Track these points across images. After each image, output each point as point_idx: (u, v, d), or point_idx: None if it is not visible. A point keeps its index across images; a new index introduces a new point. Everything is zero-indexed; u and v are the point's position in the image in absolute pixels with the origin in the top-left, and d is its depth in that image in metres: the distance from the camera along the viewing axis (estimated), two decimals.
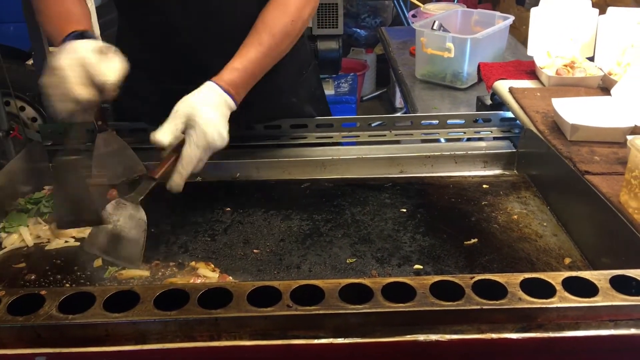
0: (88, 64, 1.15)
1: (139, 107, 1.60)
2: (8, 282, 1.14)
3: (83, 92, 1.14)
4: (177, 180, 1.19)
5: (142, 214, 1.16)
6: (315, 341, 0.81)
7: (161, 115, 1.23)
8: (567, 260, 1.17)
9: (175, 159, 1.19)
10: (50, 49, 3.03)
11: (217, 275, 1.15)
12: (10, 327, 0.80)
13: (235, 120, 1.29)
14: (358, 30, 5.35)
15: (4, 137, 3.30)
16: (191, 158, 1.18)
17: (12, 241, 1.25)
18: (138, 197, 1.18)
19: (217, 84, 1.25)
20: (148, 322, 0.81)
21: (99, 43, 1.20)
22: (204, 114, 1.19)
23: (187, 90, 1.25)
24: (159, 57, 1.52)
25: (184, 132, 1.20)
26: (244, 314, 0.81)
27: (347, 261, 1.19)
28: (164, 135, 1.17)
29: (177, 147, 1.19)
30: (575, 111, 1.42)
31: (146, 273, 1.16)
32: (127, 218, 1.17)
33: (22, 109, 3.83)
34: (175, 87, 1.27)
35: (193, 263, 1.18)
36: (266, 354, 0.81)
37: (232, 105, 1.27)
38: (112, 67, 1.18)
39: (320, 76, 1.92)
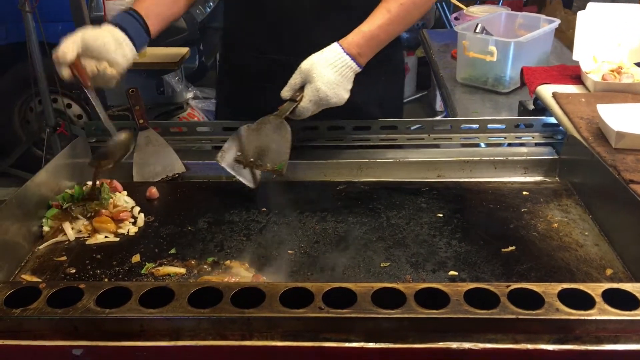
0: (103, 45, 1.32)
1: (244, 77, 1.69)
2: (49, 275, 1.17)
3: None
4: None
5: (287, 127, 1.37)
6: (347, 344, 0.81)
7: (265, 83, 1.47)
8: (609, 272, 1.14)
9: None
10: None
11: (251, 274, 1.15)
12: (49, 319, 0.82)
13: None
14: None
15: (50, 133, 3.41)
16: (304, 109, 1.38)
17: (54, 235, 1.28)
18: (282, 114, 1.38)
19: (340, 45, 1.38)
20: (182, 318, 0.82)
21: (114, 34, 1.35)
22: (320, 71, 1.34)
23: (290, 61, 1.40)
24: (264, 27, 1.58)
25: (303, 87, 1.38)
26: (276, 315, 0.82)
27: (381, 265, 1.18)
28: (285, 90, 1.38)
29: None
30: (622, 118, 1.38)
31: (182, 270, 1.17)
32: (272, 131, 1.39)
33: (69, 106, 3.94)
34: (278, 57, 1.46)
35: (228, 262, 1.19)
36: (297, 355, 0.81)
37: (353, 65, 1.38)
38: (120, 55, 1.34)
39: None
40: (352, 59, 1.38)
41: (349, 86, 1.39)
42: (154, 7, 1.47)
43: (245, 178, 1.43)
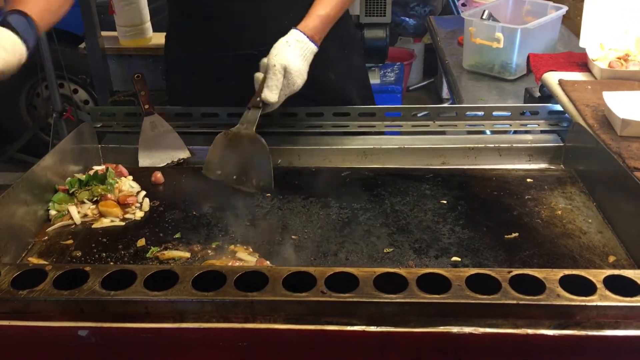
0: None
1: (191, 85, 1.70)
2: (56, 258, 1.18)
3: None
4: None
5: (261, 141, 1.39)
6: (348, 328, 0.81)
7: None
8: (612, 259, 1.14)
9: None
10: (103, 33, 3.12)
11: (255, 259, 1.16)
12: (55, 300, 0.83)
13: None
14: (406, 19, 5.28)
15: (57, 119, 3.43)
16: (277, 104, 1.40)
17: (60, 219, 1.29)
18: (252, 126, 1.39)
19: (304, 33, 1.41)
20: (186, 301, 0.83)
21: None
22: (296, 66, 1.37)
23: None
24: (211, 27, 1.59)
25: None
26: (279, 298, 0.83)
27: (385, 251, 1.19)
28: (273, 94, 1.37)
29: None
30: (627, 105, 1.38)
31: (187, 254, 1.18)
32: (248, 146, 1.40)
33: (75, 91, 3.95)
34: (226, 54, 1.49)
35: (232, 246, 1.20)
36: (299, 338, 0.82)
37: (315, 49, 1.43)
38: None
39: (365, 64, 1.92)
40: (315, 44, 1.43)
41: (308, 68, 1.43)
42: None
43: (243, 186, 1.42)
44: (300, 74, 1.39)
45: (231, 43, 1.59)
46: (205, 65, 1.65)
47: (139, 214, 1.32)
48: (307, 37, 1.41)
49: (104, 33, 3.15)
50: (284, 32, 1.42)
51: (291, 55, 1.38)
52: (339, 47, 1.70)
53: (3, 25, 1.26)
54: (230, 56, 1.60)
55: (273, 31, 1.43)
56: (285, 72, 1.37)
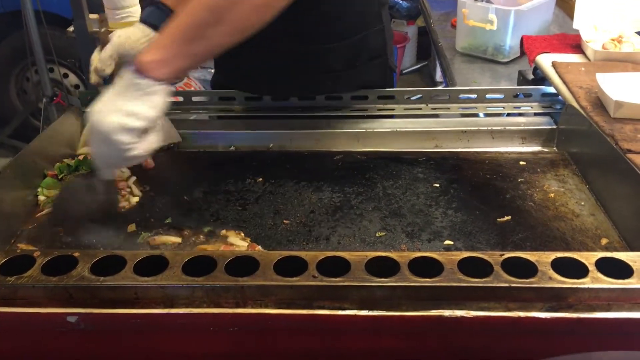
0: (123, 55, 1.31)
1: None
2: (45, 244, 1.17)
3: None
4: None
5: None
6: (340, 312, 0.81)
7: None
8: (604, 241, 1.14)
9: None
10: (91, 16, 3.07)
11: (247, 244, 1.15)
12: (44, 286, 0.83)
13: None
14: (400, 1, 5.24)
15: (48, 103, 3.39)
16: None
17: (50, 205, 1.28)
18: None
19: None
20: (176, 286, 0.83)
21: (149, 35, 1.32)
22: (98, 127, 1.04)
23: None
24: None
25: None
26: (270, 283, 0.82)
27: (377, 234, 1.18)
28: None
29: None
30: (621, 87, 1.37)
31: (178, 239, 1.17)
32: None
33: (65, 75, 3.91)
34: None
35: (223, 231, 1.19)
36: (291, 322, 0.82)
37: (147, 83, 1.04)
38: None
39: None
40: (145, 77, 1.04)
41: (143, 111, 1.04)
42: None
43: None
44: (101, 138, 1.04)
45: None
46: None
47: (135, 200, 1.31)
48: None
49: (92, 16, 3.11)
50: None
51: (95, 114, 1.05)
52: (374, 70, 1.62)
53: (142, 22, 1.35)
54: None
55: None
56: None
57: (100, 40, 1.37)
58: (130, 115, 1.03)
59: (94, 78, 1.35)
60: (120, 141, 1.03)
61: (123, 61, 1.31)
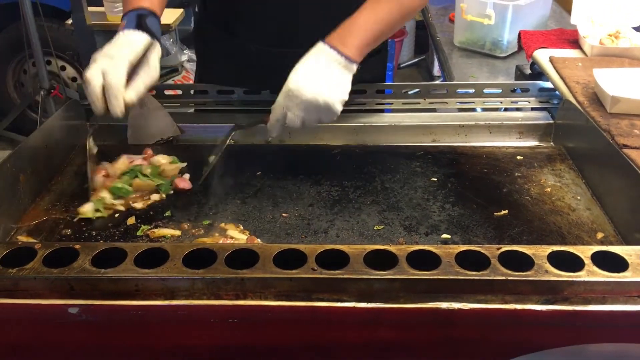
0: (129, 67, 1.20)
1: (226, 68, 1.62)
2: (45, 236, 1.18)
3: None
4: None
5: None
6: (339, 304, 0.82)
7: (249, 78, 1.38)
8: (600, 235, 1.15)
9: None
10: (89, 8, 3.07)
11: (246, 237, 1.16)
12: (45, 278, 0.83)
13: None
14: None
15: (45, 96, 3.39)
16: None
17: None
18: None
19: (332, 47, 1.23)
20: (176, 279, 0.83)
21: (146, 40, 1.24)
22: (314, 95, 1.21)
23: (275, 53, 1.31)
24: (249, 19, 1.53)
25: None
26: (269, 275, 0.83)
27: (375, 228, 1.19)
28: (273, 129, 1.31)
29: None
30: (617, 82, 1.38)
31: (177, 232, 1.18)
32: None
33: (63, 68, 3.90)
34: (264, 49, 1.35)
35: (223, 224, 1.20)
36: (290, 314, 0.82)
37: (337, 56, 1.22)
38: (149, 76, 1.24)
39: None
40: (335, 50, 1.23)
41: (334, 81, 1.22)
42: None
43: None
44: (299, 74, 1.20)
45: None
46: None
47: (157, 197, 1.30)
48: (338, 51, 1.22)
49: (90, 8, 3.11)
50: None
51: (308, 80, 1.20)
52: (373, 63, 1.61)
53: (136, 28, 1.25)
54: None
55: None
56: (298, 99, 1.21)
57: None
58: (345, 91, 1.24)
59: (120, 111, 1.19)
60: (337, 111, 1.24)
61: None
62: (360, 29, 1.25)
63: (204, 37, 1.68)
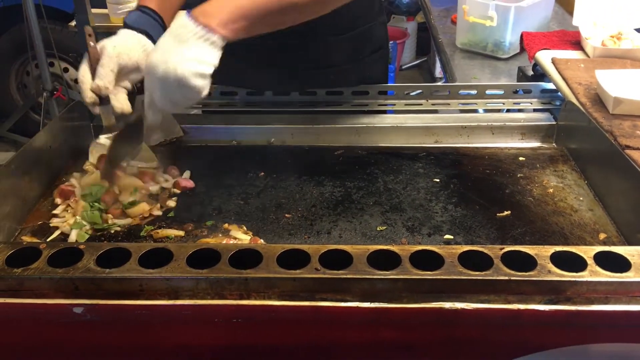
0: (122, 67, 1.20)
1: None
2: (49, 237, 1.18)
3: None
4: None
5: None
6: (342, 304, 0.82)
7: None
8: (602, 236, 1.15)
9: None
10: (93, 10, 3.08)
11: (249, 237, 1.17)
12: (50, 278, 0.83)
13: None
14: None
15: (48, 98, 3.40)
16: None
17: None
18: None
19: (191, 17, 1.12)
20: (180, 278, 0.84)
21: (142, 42, 1.23)
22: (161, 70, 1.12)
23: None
24: None
25: None
26: (273, 275, 0.83)
27: (378, 229, 1.19)
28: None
29: None
30: (620, 83, 1.38)
31: (181, 233, 1.18)
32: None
33: (66, 70, 3.91)
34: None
35: (226, 225, 1.20)
36: (294, 314, 0.83)
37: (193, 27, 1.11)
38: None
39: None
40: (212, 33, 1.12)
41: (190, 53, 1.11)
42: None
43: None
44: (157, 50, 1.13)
45: None
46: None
47: (172, 204, 1.28)
48: (197, 22, 1.11)
49: (94, 10, 3.11)
50: None
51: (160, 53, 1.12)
52: (374, 60, 1.63)
53: (125, 27, 1.25)
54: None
55: None
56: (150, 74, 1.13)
57: (90, 53, 1.21)
58: (201, 62, 1.11)
59: (91, 97, 1.20)
60: (196, 86, 1.12)
61: (123, 73, 1.22)
62: (229, 1, 1.14)
63: None
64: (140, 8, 1.30)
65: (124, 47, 1.21)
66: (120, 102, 1.21)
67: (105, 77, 1.19)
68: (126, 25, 1.26)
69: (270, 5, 1.16)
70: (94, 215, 1.20)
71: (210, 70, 1.13)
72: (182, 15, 1.14)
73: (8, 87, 4.06)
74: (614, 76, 1.42)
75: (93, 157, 1.38)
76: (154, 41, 1.23)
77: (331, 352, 0.87)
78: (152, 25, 1.28)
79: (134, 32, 1.25)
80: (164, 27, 1.29)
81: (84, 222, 1.20)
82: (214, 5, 1.14)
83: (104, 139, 1.36)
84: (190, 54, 1.10)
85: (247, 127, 1.55)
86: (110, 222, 1.20)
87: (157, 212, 1.25)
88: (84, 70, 1.21)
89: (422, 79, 5.14)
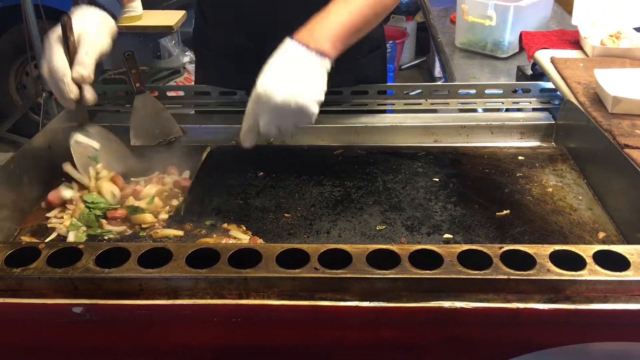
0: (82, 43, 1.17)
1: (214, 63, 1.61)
2: (48, 237, 1.18)
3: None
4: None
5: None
6: (341, 304, 0.82)
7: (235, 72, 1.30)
8: (601, 235, 1.15)
9: None
10: None
11: (249, 237, 1.17)
12: (49, 278, 0.83)
13: None
14: None
15: (47, 98, 3.40)
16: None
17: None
18: None
19: (301, 43, 1.13)
20: (179, 278, 0.84)
21: (99, 17, 1.22)
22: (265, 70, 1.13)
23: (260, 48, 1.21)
24: (234, 12, 1.52)
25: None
26: (272, 275, 0.83)
27: (377, 228, 1.19)
28: (245, 137, 1.20)
29: None
30: (619, 83, 1.38)
31: (180, 233, 1.18)
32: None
33: None
34: (250, 44, 1.28)
35: (225, 225, 1.20)
36: (293, 314, 0.83)
37: (308, 54, 1.13)
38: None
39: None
40: (306, 48, 1.14)
41: (307, 80, 1.12)
42: None
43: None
44: (267, 76, 1.11)
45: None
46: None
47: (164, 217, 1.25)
48: (309, 48, 1.13)
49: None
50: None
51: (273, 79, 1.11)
52: (372, 59, 1.63)
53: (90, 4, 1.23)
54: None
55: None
56: (264, 102, 1.12)
57: (70, 42, 1.16)
58: (322, 90, 1.13)
59: (75, 90, 1.17)
60: (313, 112, 1.13)
61: (101, 59, 1.20)
62: (332, 22, 1.17)
63: (203, 39, 1.69)
64: None
65: (99, 31, 1.20)
66: (93, 92, 1.21)
67: (90, 66, 1.16)
68: (83, 2, 1.24)
69: (366, 17, 1.23)
70: (90, 219, 1.20)
71: (323, 96, 1.15)
72: (290, 42, 1.14)
73: (7, 87, 4.05)
74: (613, 75, 1.42)
75: (78, 162, 1.33)
76: (115, 17, 1.24)
77: (331, 352, 0.87)
78: (113, 2, 1.26)
79: (98, 10, 1.23)
80: (121, 4, 1.29)
81: (80, 224, 1.19)
82: (318, 28, 1.16)
83: (82, 137, 1.36)
84: (307, 80, 1.12)
85: None
86: (105, 227, 1.20)
87: (164, 216, 1.25)
88: (63, 61, 1.16)
89: (421, 78, 5.14)
